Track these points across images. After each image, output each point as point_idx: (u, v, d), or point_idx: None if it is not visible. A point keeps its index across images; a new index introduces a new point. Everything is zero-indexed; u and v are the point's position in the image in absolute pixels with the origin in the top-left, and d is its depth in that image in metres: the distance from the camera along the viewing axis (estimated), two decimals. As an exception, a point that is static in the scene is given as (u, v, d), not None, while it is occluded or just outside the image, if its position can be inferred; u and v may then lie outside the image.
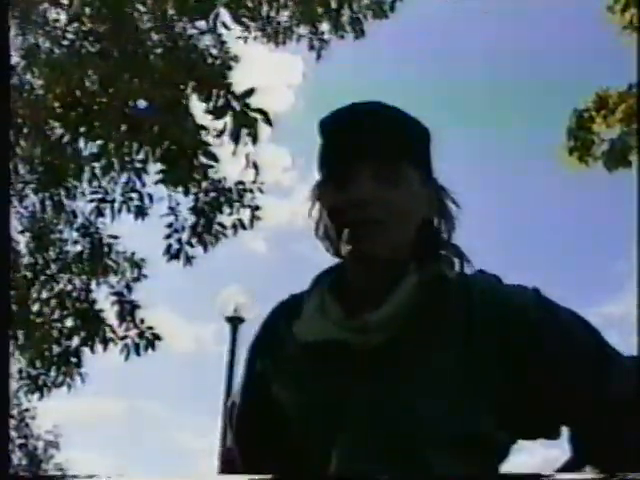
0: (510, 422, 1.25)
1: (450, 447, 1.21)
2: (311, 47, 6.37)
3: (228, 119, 5.11)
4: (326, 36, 6.36)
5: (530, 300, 1.28)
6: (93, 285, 6.59)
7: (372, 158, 1.28)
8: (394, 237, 1.28)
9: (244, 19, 6.12)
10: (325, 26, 6.31)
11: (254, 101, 5.17)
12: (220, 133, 5.12)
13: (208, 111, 5.24)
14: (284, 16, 6.36)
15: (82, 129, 5.57)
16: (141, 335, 6.22)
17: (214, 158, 5.64)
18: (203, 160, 5.61)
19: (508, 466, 1.29)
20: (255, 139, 5.04)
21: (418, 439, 1.21)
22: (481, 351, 1.23)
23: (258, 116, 4.96)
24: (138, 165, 5.75)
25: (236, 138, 5.04)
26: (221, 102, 5.18)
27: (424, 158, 1.35)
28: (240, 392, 1.45)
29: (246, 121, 4.93)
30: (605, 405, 1.25)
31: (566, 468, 1.29)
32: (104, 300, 6.53)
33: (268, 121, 5.03)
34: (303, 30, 6.35)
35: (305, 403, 1.30)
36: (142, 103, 5.45)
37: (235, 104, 5.09)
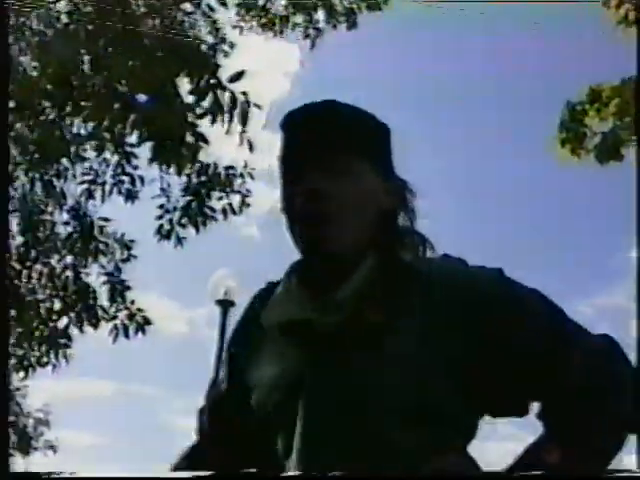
0: (476, 400, 1.28)
1: (412, 423, 1.24)
2: (306, 36, 6.39)
3: (211, 100, 5.13)
4: (321, 25, 6.38)
5: (491, 280, 1.31)
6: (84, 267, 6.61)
7: (325, 154, 1.31)
8: (346, 231, 1.30)
9: (239, 7, 6.13)
10: (320, 15, 6.34)
11: (248, 87, 5.21)
12: (204, 113, 5.14)
13: (191, 92, 5.26)
14: (280, 5, 6.38)
15: (74, 109, 5.58)
16: (131, 317, 6.24)
17: (203, 139, 5.65)
18: (192, 141, 5.62)
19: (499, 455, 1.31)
20: (245, 121, 5.06)
21: (380, 413, 1.24)
22: (441, 332, 1.26)
23: (242, 97, 5.00)
24: (128, 149, 5.77)
25: (229, 118, 5.06)
26: (206, 83, 5.18)
27: (380, 154, 1.38)
28: (218, 382, 1.50)
29: (234, 103, 4.96)
30: (568, 382, 1.28)
31: (536, 446, 1.30)
32: (95, 281, 6.56)
33: (247, 102, 5.06)
34: (298, 19, 6.36)
35: (271, 381, 1.34)
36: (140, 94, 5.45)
37: (222, 86, 5.12)
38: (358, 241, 1.32)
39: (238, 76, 5.10)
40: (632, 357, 1.35)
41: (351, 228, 1.31)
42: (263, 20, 6.33)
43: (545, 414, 1.32)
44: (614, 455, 1.29)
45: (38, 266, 6.47)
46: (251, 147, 5.59)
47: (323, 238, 1.30)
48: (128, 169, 6.03)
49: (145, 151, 5.85)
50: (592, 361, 1.29)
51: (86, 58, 5.45)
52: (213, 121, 5.08)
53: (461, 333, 1.26)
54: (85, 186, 6.11)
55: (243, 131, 5.32)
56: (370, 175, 1.34)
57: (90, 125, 5.62)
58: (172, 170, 5.94)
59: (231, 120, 5.18)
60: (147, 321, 6.25)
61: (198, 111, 5.41)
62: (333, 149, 1.32)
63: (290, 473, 1.29)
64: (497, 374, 1.28)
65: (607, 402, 1.29)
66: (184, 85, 5.51)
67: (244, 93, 5.07)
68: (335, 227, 1.30)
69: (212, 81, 5.20)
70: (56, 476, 1.28)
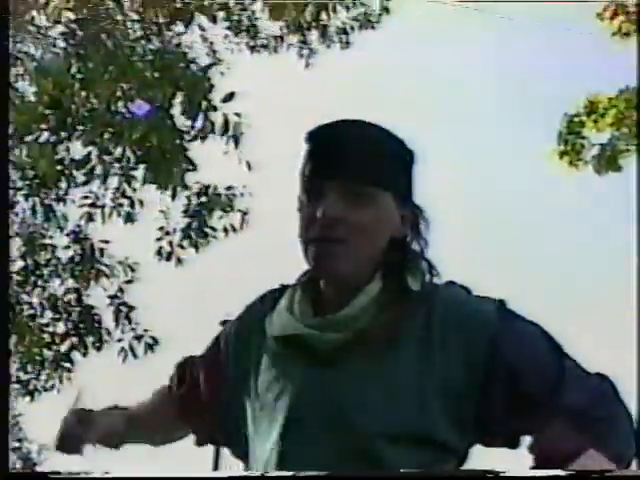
0: (469, 429, 1.31)
1: (404, 444, 1.26)
2: (300, 56, 6.46)
3: (204, 121, 5.15)
4: (315, 45, 6.43)
5: (491, 314, 1.32)
6: (86, 290, 6.62)
7: (344, 179, 1.32)
8: (356, 256, 1.32)
9: (229, 29, 6.18)
10: (314, 35, 6.39)
11: (246, 105, 5.23)
12: (197, 136, 5.16)
13: (183, 112, 5.27)
14: (274, 25, 6.42)
15: (69, 132, 5.61)
16: (138, 338, 6.29)
17: (191, 163, 5.67)
18: (183, 165, 5.65)
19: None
20: (237, 142, 5.09)
21: (370, 432, 1.26)
22: (438, 361, 1.29)
23: (236, 119, 5.01)
24: (128, 172, 5.80)
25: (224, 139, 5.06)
26: (199, 105, 5.20)
27: (402, 183, 1.39)
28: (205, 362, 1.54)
29: (226, 124, 4.98)
30: (561, 419, 1.29)
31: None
32: (98, 304, 6.58)
33: (240, 123, 5.07)
34: (292, 39, 6.42)
35: (264, 390, 1.37)
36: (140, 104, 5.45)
37: (214, 107, 5.13)
38: (367, 266, 1.35)
39: (230, 97, 5.12)
40: (627, 398, 1.36)
41: (362, 255, 1.33)
42: (252, 42, 6.39)
43: (536, 448, 1.32)
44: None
45: (39, 290, 6.48)
46: (249, 166, 5.62)
47: (334, 263, 1.32)
48: (127, 192, 6.06)
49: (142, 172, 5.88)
50: (587, 401, 1.30)
51: (80, 80, 5.46)
52: (204, 138, 5.09)
53: (459, 363, 1.29)
54: (85, 209, 6.13)
55: (239, 153, 5.34)
56: (389, 204, 1.35)
57: (87, 148, 5.64)
58: (169, 192, 5.97)
59: (227, 142, 5.21)
60: (155, 341, 6.30)
61: (191, 133, 5.43)
62: (357, 177, 1.33)
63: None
64: (492, 407, 1.29)
65: (598, 440, 1.28)
66: (178, 107, 5.54)
67: (237, 114, 5.10)
68: (347, 254, 1.32)
69: (205, 102, 5.21)
70: (56, 476, 1.29)
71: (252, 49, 6.46)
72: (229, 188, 6.25)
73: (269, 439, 1.32)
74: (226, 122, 5.07)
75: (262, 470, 1.31)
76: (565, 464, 1.25)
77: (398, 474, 1.25)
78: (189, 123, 5.44)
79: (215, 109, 5.13)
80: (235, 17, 6.23)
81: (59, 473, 1.30)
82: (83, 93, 5.41)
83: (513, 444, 1.34)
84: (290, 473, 1.26)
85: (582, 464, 1.25)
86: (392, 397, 1.27)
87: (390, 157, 1.36)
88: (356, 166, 1.32)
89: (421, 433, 1.27)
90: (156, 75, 5.35)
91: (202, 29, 5.93)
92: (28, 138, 5.70)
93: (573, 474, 1.25)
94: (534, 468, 1.30)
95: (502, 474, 1.25)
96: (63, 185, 6.10)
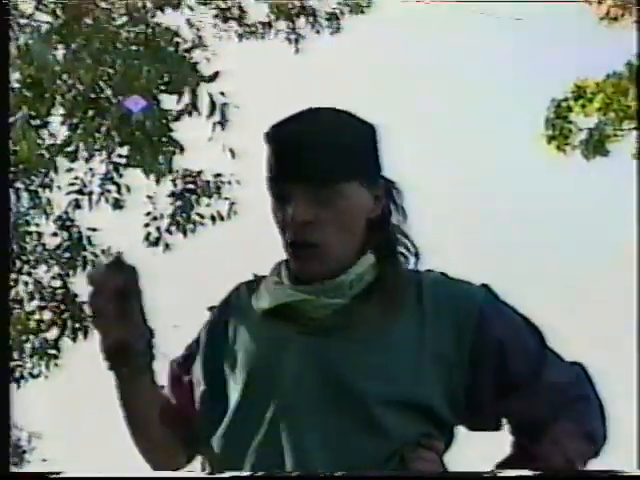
0: (459, 406, 1.33)
1: (398, 410, 1.28)
2: (288, 41, 6.46)
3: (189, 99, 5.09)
4: (304, 31, 6.44)
5: (478, 293, 1.38)
6: (72, 276, 6.60)
7: (307, 181, 1.32)
8: (333, 254, 1.34)
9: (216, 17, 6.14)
10: (303, 21, 6.40)
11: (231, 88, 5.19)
12: (181, 114, 5.11)
13: (165, 90, 5.20)
14: (263, 11, 6.42)
15: (49, 114, 5.57)
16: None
17: (179, 145, 5.63)
18: (169, 147, 5.61)
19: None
20: (224, 123, 5.05)
21: (363, 397, 1.28)
22: (431, 332, 1.32)
23: (224, 99, 4.97)
24: (116, 159, 5.77)
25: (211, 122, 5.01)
26: (185, 84, 5.13)
27: (364, 165, 1.38)
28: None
29: (213, 105, 4.94)
30: (539, 400, 1.35)
31: (506, 462, 1.34)
32: (84, 291, 6.55)
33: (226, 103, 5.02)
34: (280, 25, 6.42)
35: (255, 359, 1.36)
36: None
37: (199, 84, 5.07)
38: (347, 255, 1.36)
39: (214, 76, 5.06)
40: (600, 387, 1.42)
41: (340, 251, 1.35)
42: (240, 29, 6.38)
43: (516, 431, 1.38)
44: (585, 456, 1.35)
45: (25, 277, 6.45)
46: (233, 154, 5.60)
47: (313, 265, 1.35)
48: (115, 177, 6.03)
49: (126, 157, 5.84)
50: (566, 381, 1.37)
51: (62, 62, 5.41)
52: (190, 114, 5.03)
53: (450, 335, 1.33)
54: (73, 196, 6.10)
55: (223, 141, 5.29)
56: (357, 191, 1.35)
57: (70, 132, 5.60)
58: (152, 177, 5.92)
59: (214, 125, 5.17)
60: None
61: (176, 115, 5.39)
62: (319, 177, 1.32)
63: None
64: (480, 380, 1.33)
65: (579, 417, 1.36)
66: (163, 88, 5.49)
67: (222, 93, 5.04)
68: (323, 255, 1.34)
69: (190, 80, 5.14)
70: (56, 476, 1.28)
71: (240, 36, 6.46)
72: (217, 175, 6.24)
73: (259, 408, 1.31)
74: (212, 103, 5.01)
75: (254, 441, 1.29)
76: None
77: (398, 474, 1.26)
78: (174, 105, 5.39)
79: (198, 87, 5.06)
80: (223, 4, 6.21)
81: (58, 473, 1.29)
82: (65, 76, 5.35)
83: (497, 425, 1.38)
84: (297, 472, 1.25)
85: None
86: (389, 364, 1.30)
87: (350, 146, 1.35)
88: (317, 166, 1.32)
89: (418, 402, 1.29)
90: (141, 54, 5.29)
91: (191, 9, 5.89)
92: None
93: (573, 475, 1.30)
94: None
95: (499, 474, 1.28)
96: (42, 168, 6.05)
